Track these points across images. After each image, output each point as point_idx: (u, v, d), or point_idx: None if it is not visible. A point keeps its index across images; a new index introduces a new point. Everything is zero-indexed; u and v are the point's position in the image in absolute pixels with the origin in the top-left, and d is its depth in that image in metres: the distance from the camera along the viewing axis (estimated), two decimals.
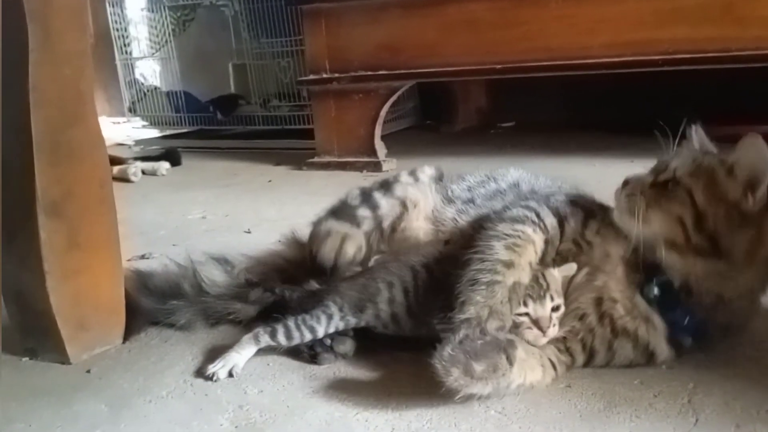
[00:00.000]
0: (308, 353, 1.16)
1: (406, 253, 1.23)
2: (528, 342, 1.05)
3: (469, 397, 0.98)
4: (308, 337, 1.14)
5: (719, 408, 0.95)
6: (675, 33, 2.32)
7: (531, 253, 1.09)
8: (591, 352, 1.08)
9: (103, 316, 1.27)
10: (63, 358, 1.23)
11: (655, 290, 1.06)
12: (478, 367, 0.96)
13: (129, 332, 1.31)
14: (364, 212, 1.35)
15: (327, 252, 1.32)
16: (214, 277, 1.36)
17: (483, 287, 1.04)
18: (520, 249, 1.08)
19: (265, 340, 1.14)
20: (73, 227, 1.22)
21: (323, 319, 1.15)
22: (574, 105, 3.46)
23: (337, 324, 1.15)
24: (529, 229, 1.10)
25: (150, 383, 1.15)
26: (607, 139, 3.01)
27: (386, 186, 1.40)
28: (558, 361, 1.07)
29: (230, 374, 1.13)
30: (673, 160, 1.10)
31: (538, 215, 1.13)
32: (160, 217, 2.29)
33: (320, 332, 1.15)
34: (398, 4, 2.73)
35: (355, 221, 1.35)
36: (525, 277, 1.07)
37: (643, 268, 1.07)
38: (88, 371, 1.20)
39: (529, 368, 1.02)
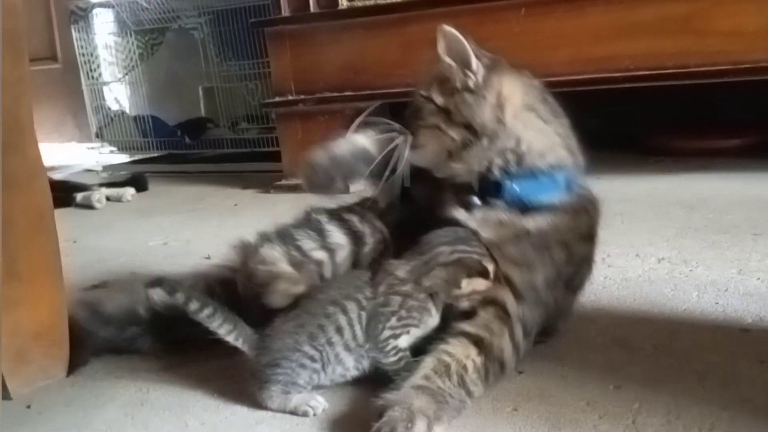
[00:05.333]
0: None
1: (324, 290, 1.12)
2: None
3: None
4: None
5: (662, 428, 0.94)
6: (635, 48, 2.33)
7: None
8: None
9: (44, 348, 1.24)
10: (3, 393, 1.19)
11: (474, 200, 1.14)
12: None
13: (76, 364, 1.28)
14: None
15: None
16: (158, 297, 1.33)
17: None
18: None
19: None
20: (11, 258, 1.19)
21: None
22: None
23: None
24: None
25: (90, 417, 1.12)
26: None
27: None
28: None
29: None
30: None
31: None
32: (121, 243, 2.26)
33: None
34: (361, 24, 2.74)
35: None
36: None
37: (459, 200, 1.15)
38: (28, 406, 1.17)
39: None
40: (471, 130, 1.12)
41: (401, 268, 1.10)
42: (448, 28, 1.13)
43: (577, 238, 1.14)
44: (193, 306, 1.09)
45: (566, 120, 1.20)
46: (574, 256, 1.14)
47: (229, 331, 1.09)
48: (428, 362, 1.04)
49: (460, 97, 1.13)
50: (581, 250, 1.16)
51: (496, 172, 1.12)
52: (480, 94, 1.13)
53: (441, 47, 1.15)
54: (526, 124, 1.14)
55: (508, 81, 1.15)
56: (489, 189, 1.13)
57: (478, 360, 1.05)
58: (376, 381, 1.05)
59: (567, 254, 1.12)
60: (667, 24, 2.28)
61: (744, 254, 1.59)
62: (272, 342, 1.07)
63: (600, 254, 1.63)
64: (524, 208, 1.12)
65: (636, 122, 3.03)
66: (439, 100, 1.15)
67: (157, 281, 1.13)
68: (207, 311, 1.09)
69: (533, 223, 1.11)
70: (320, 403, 1.05)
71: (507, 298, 1.09)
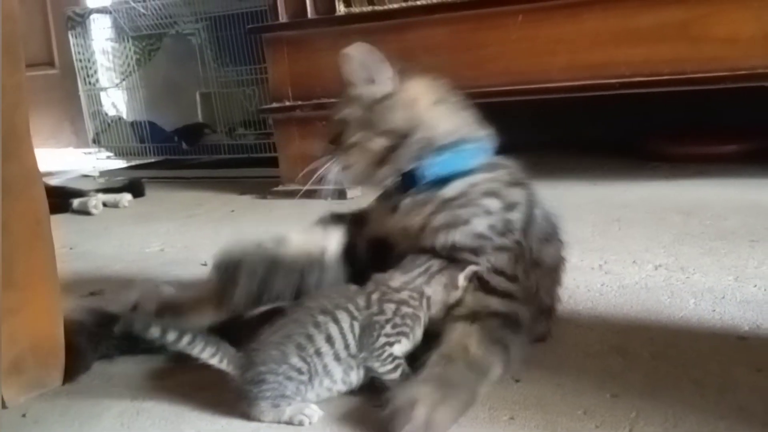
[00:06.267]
0: None
1: (313, 300, 1.12)
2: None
3: None
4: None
5: None
6: (632, 54, 2.34)
7: None
8: None
9: (40, 357, 1.23)
10: None
11: (398, 199, 1.19)
12: None
13: (77, 370, 1.27)
14: None
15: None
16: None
17: None
18: None
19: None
20: (7, 265, 1.19)
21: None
22: (543, 126, 3.46)
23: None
24: None
25: (86, 427, 1.11)
26: (573, 160, 3.01)
27: None
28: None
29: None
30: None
31: None
32: (118, 250, 2.26)
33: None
34: (358, 30, 2.73)
35: None
36: None
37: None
38: (24, 415, 1.16)
39: None
40: (393, 134, 1.19)
41: (396, 279, 1.11)
42: (353, 48, 1.19)
43: (501, 185, 1.18)
44: (171, 337, 1.07)
45: (471, 111, 1.26)
46: (509, 201, 1.17)
47: (212, 355, 1.07)
48: (432, 359, 1.05)
49: (377, 107, 1.19)
50: (513, 195, 1.18)
51: (412, 163, 1.19)
52: (394, 99, 1.19)
53: (350, 66, 1.20)
54: (438, 115, 1.21)
55: (417, 82, 1.22)
56: (409, 181, 1.19)
57: (474, 328, 1.07)
58: (374, 392, 1.05)
59: (499, 201, 1.16)
60: (665, 30, 2.29)
61: (741, 261, 1.59)
62: (257, 356, 1.05)
63: (597, 261, 1.65)
64: (443, 181, 1.17)
65: (633, 128, 3.03)
66: (357, 114, 1.20)
67: (129, 322, 1.13)
68: (186, 339, 1.07)
69: (452, 190, 1.16)
70: (315, 411, 1.04)
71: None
